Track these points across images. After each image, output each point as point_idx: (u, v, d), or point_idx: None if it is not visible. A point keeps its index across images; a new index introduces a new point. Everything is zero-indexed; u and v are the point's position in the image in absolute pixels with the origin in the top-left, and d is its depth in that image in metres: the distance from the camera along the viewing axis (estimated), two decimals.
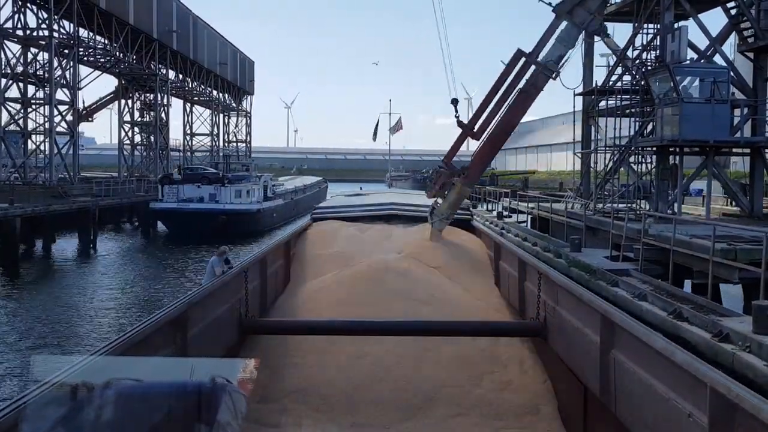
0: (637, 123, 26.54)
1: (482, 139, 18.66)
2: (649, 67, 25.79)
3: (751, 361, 8.10)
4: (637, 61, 26.54)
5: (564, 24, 18.37)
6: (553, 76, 18.09)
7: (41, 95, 43.62)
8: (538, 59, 18.13)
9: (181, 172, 50.75)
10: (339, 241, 17.52)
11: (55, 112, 43.19)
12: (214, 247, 12.75)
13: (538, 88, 18.16)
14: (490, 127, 18.44)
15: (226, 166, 56.70)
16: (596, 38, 29.78)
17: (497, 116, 18.30)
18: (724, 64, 25.41)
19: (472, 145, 21.21)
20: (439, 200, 18.82)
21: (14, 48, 43.36)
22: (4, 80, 41.92)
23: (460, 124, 18.89)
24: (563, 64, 18.04)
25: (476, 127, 18.67)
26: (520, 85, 18.25)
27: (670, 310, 10.50)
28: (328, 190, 77.45)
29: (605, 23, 25.84)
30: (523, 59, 18.24)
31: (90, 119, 63.70)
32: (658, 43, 25.61)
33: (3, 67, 41.70)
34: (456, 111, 19.02)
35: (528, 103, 18.55)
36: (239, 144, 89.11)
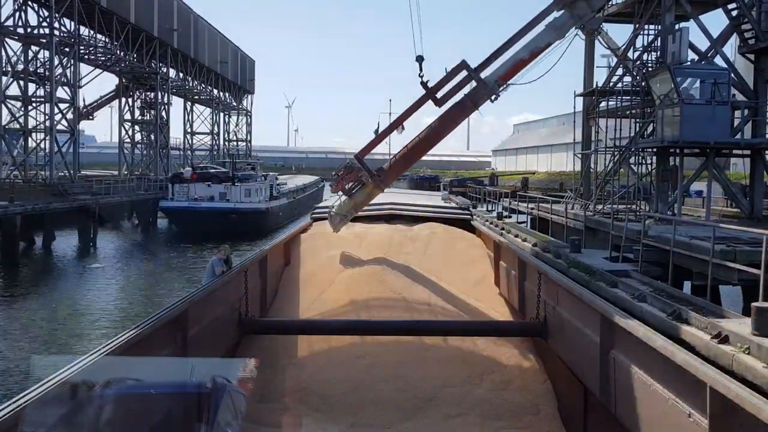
0: (638, 124, 26.56)
1: (413, 140, 17.38)
2: (650, 68, 25.80)
3: (750, 363, 8.11)
4: (638, 62, 26.55)
5: (559, 13, 17.73)
6: (493, 98, 16.98)
7: (42, 93, 43.63)
8: (483, 75, 16.85)
9: (195, 170, 50.99)
10: (339, 241, 17.51)
11: (56, 110, 43.20)
12: (217, 246, 12.71)
13: (476, 104, 17.13)
14: (418, 134, 17.42)
15: (233, 165, 56.95)
16: (598, 39, 29.83)
17: (460, 92, 17.04)
18: (725, 65, 25.42)
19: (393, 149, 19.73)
20: (343, 197, 17.59)
21: (15, 46, 43.47)
22: (4, 78, 41.91)
23: (424, 85, 17.12)
24: (546, 54, 17.28)
25: (440, 95, 17.12)
26: (458, 97, 17.09)
27: (669, 312, 10.52)
28: (325, 189, 77.44)
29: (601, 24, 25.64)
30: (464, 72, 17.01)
31: (90, 117, 63.65)
32: (658, 44, 25.62)
33: (4, 65, 41.71)
34: (420, 70, 17.19)
35: (461, 118, 17.68)
36: (239, 143, 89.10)
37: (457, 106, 17.14)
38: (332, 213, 17.50)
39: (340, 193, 17.56)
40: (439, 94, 17.04)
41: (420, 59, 17.15)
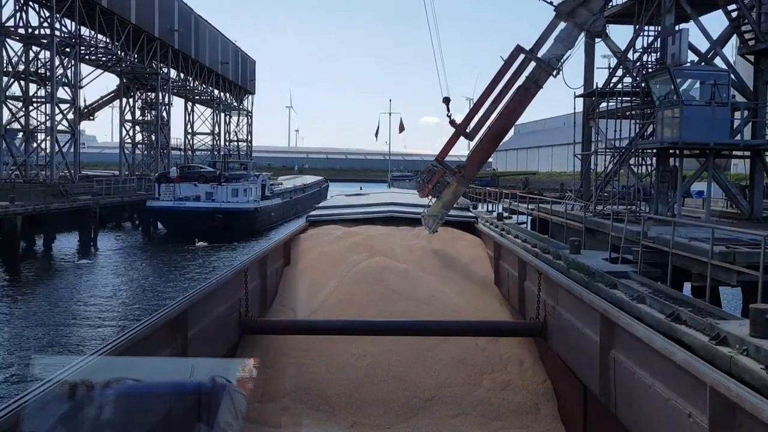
0: (638, 125, 26.57)
1: (477, 137, 18.10)
2: (650, 70, 25.82)
3: (748, 364, 8.11)
4: (638, 63, 26.56)
5: (564, 24, 17.97)
6: (554, 73, 17.60)
7: (43, 93, 43.66)
8: (539, 56, 17.65)
9: (180, 170, 50.65)
10: (339, 242, 17.52)
11: (57, 111, 43.24)
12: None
13: (539, 84, 17.45)
14: (486, 125, 17.89)
15: (225, 165, 56.70)
16: (597, 40, 29.81)
17: (494, 114, 17.73)
18: (725, 66, 25.44)
19: (463, 144, 20.58)
20: (432, 200, 17.84)
21: (16, 46, 43.53)
22: (5, 78, 41.95)
23: (452, 123, 17.83)
24: (562, 64, 17.63)
25: (470, 127, 17.77)
26: (519, 81, 17.65)
27: (668, 313, 10.52)
28: (329, 189, 77.40)
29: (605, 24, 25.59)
30: (522, 56, 17.41)
31: (91, 118, 63.72)
32: (658, 46, 25.64)
33: (5, 65, 41.75)
34: (448, 110, 18.00)
35: (527, 101, 17.84)
36: (240, 143, 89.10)
37: (520, 91, 17.51)
38: (425, 216, 17.58)
39: (429, 197, 17.82)
40: (500, 84, 17.44)
41: (447, 101, 17.89)
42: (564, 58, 17.57)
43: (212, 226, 43.65)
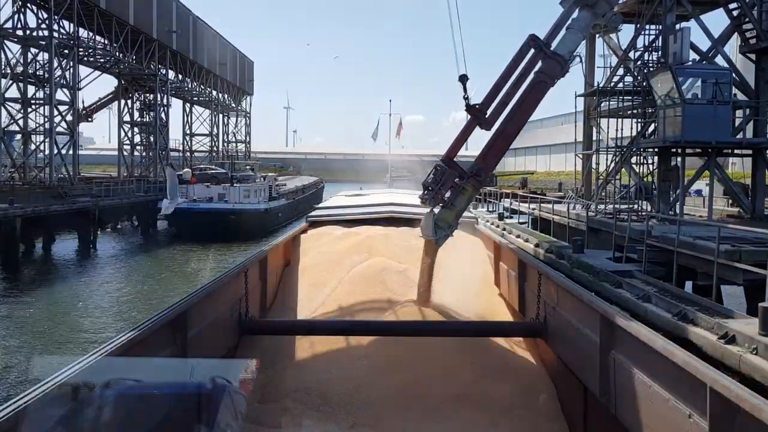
0: (639, 124, 26.52)
1: (492, 132, 15.17)
2: (651, 68, 25.77)
3: (758, 363, 8.03)
4: (639, 62, 26.52)
5: (578, 12, 16.82)
6: (566, 70, 16.35)
7: (41, 95, 43.58)
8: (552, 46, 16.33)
9: (194, 173, 50.95)
10: (339, 242, 17.44)
11: (55, 112, 43.15)
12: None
13: (553, 80, 15.50)
14: (502, 115, 15.94)
15: (232, 166, 56.93)
16: (597, 37, 29.75)
17: (511, 104, 15.70)
18: (726, 65, 25.40)
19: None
20: (436, 208, 14.72)
21: (14, 48, 43.45)
22: (4, 80, 41.91)
23: (469, 108, 14.96)
24: (572, 60, 16.66)
25: (487, 114, 14.99)
26: (531, 76, 15.20)
27: (675, 312, 10.44)
28: (325, 190, 77.45)
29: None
30: (533, 49, 15.14)
31: (90, 119, 63.63)
32: (660, 44, 25.60)
33: (3, 67, 41.66)
34: (465, 91, 14.85)
35: (542, 95, 15.75)
36: (238, 144, 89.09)
37: (538, 86, 15.42)
38: (437, 227, 14.12)
39: (431, 207, 14.52)
40: (515, 73, 14.89)
41: (464, 79, 14.89)
42: (575, 52, 16.67)
43: (225, 226, 43.83)
